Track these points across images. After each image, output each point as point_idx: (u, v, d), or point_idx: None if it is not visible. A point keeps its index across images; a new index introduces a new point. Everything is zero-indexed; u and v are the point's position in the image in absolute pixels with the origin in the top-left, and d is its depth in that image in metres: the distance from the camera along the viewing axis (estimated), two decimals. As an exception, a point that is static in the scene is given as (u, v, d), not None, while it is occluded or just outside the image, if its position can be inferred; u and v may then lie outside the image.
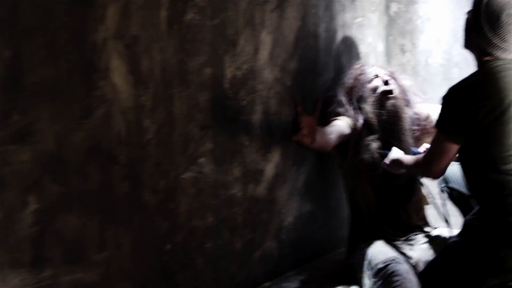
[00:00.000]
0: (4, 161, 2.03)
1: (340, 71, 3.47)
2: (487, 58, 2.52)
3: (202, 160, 2.73)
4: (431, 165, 2.62)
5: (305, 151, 3.29)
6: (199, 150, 2.72)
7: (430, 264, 2.74)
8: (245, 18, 2.88)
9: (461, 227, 2.65)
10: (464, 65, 3.45)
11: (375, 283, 2.73)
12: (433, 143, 2.64)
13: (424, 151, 2.90)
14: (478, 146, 2.48)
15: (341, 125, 3.10)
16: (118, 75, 2.34)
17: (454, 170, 2.89)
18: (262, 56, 3.00)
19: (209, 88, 2.72)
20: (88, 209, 2.29)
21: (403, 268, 2.67)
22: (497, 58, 2.50)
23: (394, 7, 3.89)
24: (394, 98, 3.13)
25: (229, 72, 2.82)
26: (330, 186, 3.54)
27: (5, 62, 2.00)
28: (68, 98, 2.20)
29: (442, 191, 3.07)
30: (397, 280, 2.58)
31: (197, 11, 2.64)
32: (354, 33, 3.62)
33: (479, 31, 2.51)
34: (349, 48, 3.58)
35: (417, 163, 2.76)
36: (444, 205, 3.05)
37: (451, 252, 2.63)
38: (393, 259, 2.74)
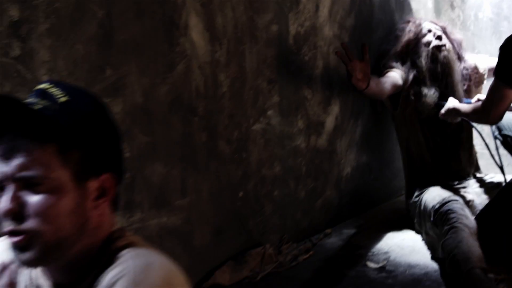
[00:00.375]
0: (101, 112, 2.22)
1: (393, 27, 3.58)
2: None
3: (270, 112, 2.90)
4: (490, 111, 2.76)
5: (361, 104, 3.44)
6: (267, 103, 2.88)
7: (486, 206, 2.88)
8: (307, -24, 3.02)
9: None
10: (515, 18, 3.54)
11: (433, 223, 2.88)
12: (491, 90, 2.77)
13: (481, 100, 3.03)
14: None
15: (395, 76, 3.25)
16: (196, 32, 2.50)
17: (507, 118, 3.02)
18: (322, 13, 3.13)
19: (275, 44, 2.87)
20: (171, 158, 2.48)
21: (458, 205, 2.82)
22: None
23: (443, -37, 3.97)
24: (446, 52, 3.25)
25: (293, 29, 2.97)
26: (383, 138, 3.69)
27: (99, 21, 2.18)
28: (153, 54, 2.37)
29: (495, 138, 3.20)
30: (453, 217, 2.72)
31: (263, -29, 2.78)
32: (406, -11, 3.73)
33: None
34: (401, 5, 3.69)
35: (476, 110, 2.90)
36: (497, 151, 3.18)
37: (507, 194, 2.78)
38: (448, 199, 2.89)
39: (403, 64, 3.31)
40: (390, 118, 3.58)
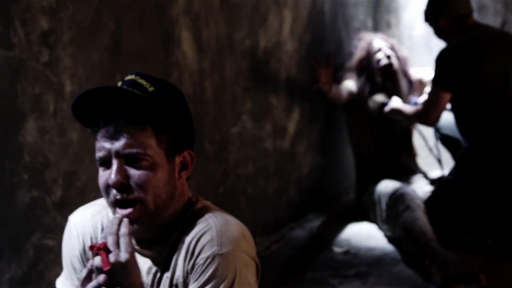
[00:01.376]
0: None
1: (340, 43, 4.04)
2: (465, 23, 3.17)
3: (244, 117, 3.25)
4: (429, 113, 3.24)
5: (316, 112, 3.85)
6: (243, 108, 3.23)
7: (432, 195, 3.33)
8: (273, -3, 3.42)
9: (455, 163, 3.29)
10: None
11: (388, 206, 3.30)
12: (429, 95, 3.25)
13: (422, 103, 3.51)
14: (469, 91, 3.10)
15: (351, 85, 3.71)
16: (187, 44, 2.83)
17: (445, 119, 3.52)
18: (285, 30, 3.53)
19: (248, 57, 3.24)
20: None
21: (410, 189, 3.28)
22: (474, 24, 3.15)
23: (380, -12, 4.49)
24: (394, 69, 3.73)
25: (262, 44, 3.34)
26: (335, 142, 4.12)
27: (111, 32, 2.46)
28: (154, 62, 2.67)
29: (436, 137, 3.68)
30: (407, 199, 3.17)
31: (238, -9, 3.15)
32: (350, 10, 4.20)
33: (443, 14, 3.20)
34: (347, 24, 4.16)
35: (416, 113, 3.36)
36: (438, 149, 3.67)
37: (451, 182, 3.25)
38: (401, 186, 3.34)
39: (358, 77, 3.76)
40: (340, 125, 4.02)
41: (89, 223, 1.53)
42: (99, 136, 1.38)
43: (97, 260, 1.28)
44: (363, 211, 3.69)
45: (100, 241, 1.31)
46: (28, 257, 2.21)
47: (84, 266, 1.52)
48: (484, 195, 3.11)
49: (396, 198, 3.23)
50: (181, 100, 1.46)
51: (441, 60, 3.19)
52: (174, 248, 1.43)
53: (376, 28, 4.37)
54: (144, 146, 1.35)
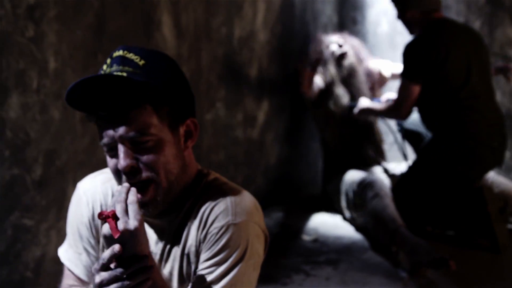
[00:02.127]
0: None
1: (308, 37, 4.10)
2: (432, 17, 3.28)
3: (218, 104, 3.26)
4: (401, 107, 3.31)
5: (284, 103, 3.90)
6: (217, 96, 3.24)
7: (394, 186, 3.42)
8: (248, -14, 3.44)
9: (418, 154, 3.39)
10: (407, 33, 4.17)
11: (356, 194, 3.37)
12: (400, 90, 3.32)
13: (390, 99, 3.60)
14: (433, 84, 3.21)
15: (318, 81, 3.77)
16: (167, 28, 2.82)
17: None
18: (259, 20, 3.56)
19: (224, 45, 3.25)
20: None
21: (378, 177, 3.35)
22: (436, 19, 3.26)
23: (347, -15, 4.59)
24: (348, 57, 3.82)
25: (237, 32, 3.36)
26: (300, 134, 4.18)
27: (95, 11, 2.44)
28: (134, 44, 2.64)
29: (399, 131, 3.78)
30: (376, 187, 3.24)
31: (216, -22, 3.16)
32: (318, 5, 4.27)
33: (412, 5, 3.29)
34: (315, 19, 4.22)
35: (389, 108, 3.44)
36: (402, 142, 3.78)
37: (412, 173, 3.34)
38: (368, 175, 3.42)
39: (321, 72, 3.84)
40: (306, 117, 4.08)
41: (100, 189, 1.51)
42: (99, 122, 1.36)
43: (106, 228, 1.27)
44: (329, 201, 3.75)
45: (108, 209, 1.30)
46: (6, 236, 2.17)
47: (92, 233, 1.51)
48: (446, 185, 3.21)
49: (365, 186, 3.31)
50: (175, 68, 1.42)
51: (409, 53, 3.26)
52: (187, 217, 1.43)
53: (341, 24, 4.46)
54: (147, 126, 1.33)
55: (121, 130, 1.32)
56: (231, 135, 3.41)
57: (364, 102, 3.68)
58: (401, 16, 3.41)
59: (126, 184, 1.34)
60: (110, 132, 1.33)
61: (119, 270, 1.24)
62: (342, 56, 3.82)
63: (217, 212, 1.39)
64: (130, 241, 1.26)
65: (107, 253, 1.26)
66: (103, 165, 1.59)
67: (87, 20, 2.40)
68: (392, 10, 4.39)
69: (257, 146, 3.69)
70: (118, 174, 1.37)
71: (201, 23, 3.06)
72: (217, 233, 1.38)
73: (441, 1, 3.35)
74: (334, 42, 3.85)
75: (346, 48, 3.84)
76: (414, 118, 3.58)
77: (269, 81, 3.71)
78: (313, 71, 3.50)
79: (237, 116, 3.45)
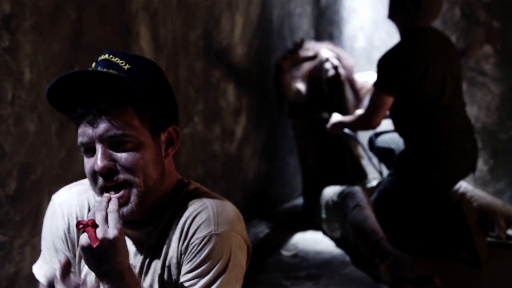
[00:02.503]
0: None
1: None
2: (410, 27, 3.25)
3: (196, 118, 3.23)
4: (371, 117, 3.28)
5: (262, 118, 3.88)
6: (194, 110, 3.21)
7: (377, 194, 3.39)
8: (226, 1, 3.42)
9: (394, 165, 3.37)
10: (383, 48, 4.19)
11: (337, 204, 3.32)
12: (372, 100, 3.31)
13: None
14: (409, 96, 3.20)
15: (300, 86, 3.76)
16: (145, 40, 2.79)
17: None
18: (236, 34, 3.55)
19: (202, 58, 3.23)
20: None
21: (358, 189, 3.31)
22: (418, 28, 3.24)
23: (324, 0, 4.59)
24: (340, 80, 3.81)
25: (214, 46, 3.34)
26: (279, 148, 4.16)
27: (72, 22, 2.39)
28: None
29: (370, 149, 3.76)
30: (357, 197, 3.19)
31: (193, -8, 3.14)
32: (295, 20, 4.27)
33: (403, 6, 3.24)
34: (292, 33, 4.23)
35: (359, 118, 3.41)
36: (376, 159, 3.76)
37: (390, 187, 3.33)
38: (348, 186, 3.38)
39: (307, 85, 3.81)
40: (284, 132, 4.06)
41: (76, 202, 1.47)
42: (79, 123, 1.33)
43: (84, 238, 1.23)
44: (309, 216, 3.72)
45: (87, 219, 1.26)
46: (-22, 253, 2.10)
47: (68, 247, 1.46)
48: (423, 195, 3.21)
49: (345, 196, 3.27)
50: (159, 75, 1.41)
51: (385, 64, 3.23)
52: (167, 228, 1.40)
53: (318, 39, 4.46)
54: (127, 127, 1.31)
55: (101, 128, 1.29)
56: (208, 150, 3.37)
57: (336, 117, 3.66)
58: (391, 12, 3.32)
59: (107, 194, 1.31)
60: (89, 131, 1.30)
61: None
62: (335, 78, 3.79)
63: (199, 222, 1.36)
64: (109, 251, 1.22)
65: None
66: (79, 179, 1.55)
67: (64, 31, 2.36)
68: (368, 26, 4.44)
69: (235, 160, 3.65)
70: (94, 176, 1.34)
71: (179, 36, 3.03)
72: (199, 243, 1.35)
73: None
74: (329, 60, 3.82)
75: (340, 71, 3.82)
76: (385, 136, 3.60)
77: (246, 95, 3.69)
78: (294, 75, 3.49)
79: (215, 130, 3.42)
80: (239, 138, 3.66)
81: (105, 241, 1.21)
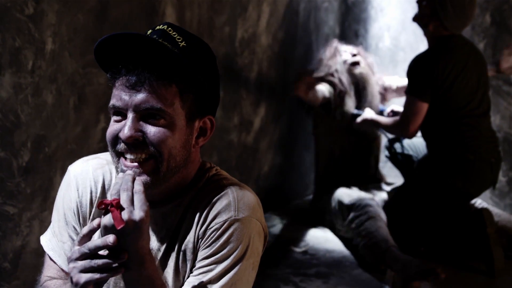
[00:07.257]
0: (88, 81, 2.36)
1: (310, 46, 4.02)
2: (444, 33, 3.16)
3: (215, 105, 3.16)
4: (408, 125, 3.18)
5: (281, 111, 3.81)
6: (214, 96, 3.14)
7: (389, 206, 3.33)
8: (254, -12, 3.36)
9: (415, 171, 3.29)
10: (409, 50, 4.13)
11: (351, 216, 3.27)
12: (406, 107, 3.22)
13: (395, 110, 3.52)
14: (439, 102, 3.12)
15: (324, 89, 3.65)
16: (170, 20, 2.72)
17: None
18: (262, 23, 3.48)
19: (226, 44, 3.16)
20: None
21: (374, 202, 3.25)
22: (450, 34, 3.15)
23: (352, -3, 4.53)
24: (360, 67, 3.72)
25: (239, 33, 3.28)
26: (295, 143, 4.09)
27: (98, -3, 2.34)
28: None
29: (389, 154, 3.69)
30: (371, 210, 3.13)
31: (222, -24, 3.08)
32: (321, 15, 4.20)
33: (443, 11, 3.13)
34: (317, 28, 4.15)
35: (395, 124, 3.32)
36: (399, 161, 3.69)
37: (407, 192, 3.26)
38: (365, 197, 3.32)
39: (329, 82, 3.72)
40: (302, 127, 3.99)
41: (91, 175, 1.41)
42: (117, 84, 1.27)
43: (107, 218, 1.15)
44: (319, 214, 3.65)
45: (110, 198, 1.20)
46: (-14, 223, 2.05)
47: (78, 221, 1.40)
48: (444, 202, 3.13)
49: (360, 208, 3.20)
50: (212, 61, 1.36)
51: (418, 70, 3.14)
52: (185, 212, 1.35)
53: (343, 36, 4.40)
54: (166, 104, 1.25)
55: (139, 97, 1.24)
56: (225, 139, 3.31)
57: (369, 113, 3.59)
58: (421, 20, 3.23)
59: (129, 172, 1.25)
60: (125, 98, 1.25)
61: (97, 261, 1.16)
62: (354, 64, 3.71)
63: (219, 208, 1.31)
64: (133, 234, 1.15)
65: (96, 243, 1.16)
66: (93, 156, 1.50)
67: (90, 4, 2.30)
68: (395, 26, 4.36)
69: (250, 152, 3.59)
70: (115, 140, 1.28)
71: (205, 20, 2.97)
72: (219, 228, 1.30)
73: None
74: (347, 50, 3.76)
75: (358, 58, 3.74)
76: (403, 143, 3.53)
77: (268, 86, 3.63)
78: (315, 78, 3.41)
79: (233, 119, 3.36)
80: (256, 129, 3.60)
81: (130, 223, 1.15)
